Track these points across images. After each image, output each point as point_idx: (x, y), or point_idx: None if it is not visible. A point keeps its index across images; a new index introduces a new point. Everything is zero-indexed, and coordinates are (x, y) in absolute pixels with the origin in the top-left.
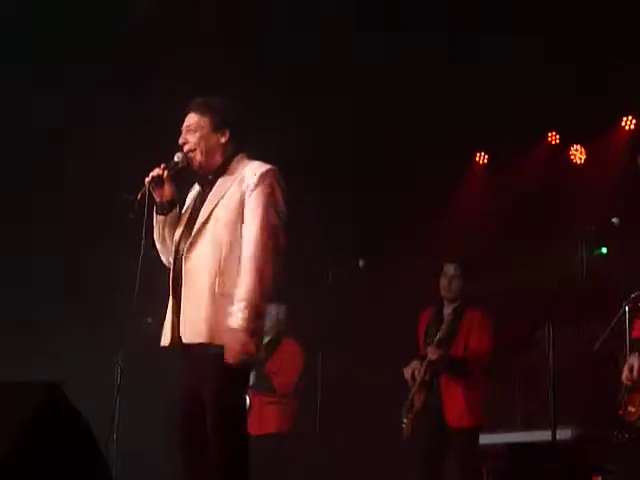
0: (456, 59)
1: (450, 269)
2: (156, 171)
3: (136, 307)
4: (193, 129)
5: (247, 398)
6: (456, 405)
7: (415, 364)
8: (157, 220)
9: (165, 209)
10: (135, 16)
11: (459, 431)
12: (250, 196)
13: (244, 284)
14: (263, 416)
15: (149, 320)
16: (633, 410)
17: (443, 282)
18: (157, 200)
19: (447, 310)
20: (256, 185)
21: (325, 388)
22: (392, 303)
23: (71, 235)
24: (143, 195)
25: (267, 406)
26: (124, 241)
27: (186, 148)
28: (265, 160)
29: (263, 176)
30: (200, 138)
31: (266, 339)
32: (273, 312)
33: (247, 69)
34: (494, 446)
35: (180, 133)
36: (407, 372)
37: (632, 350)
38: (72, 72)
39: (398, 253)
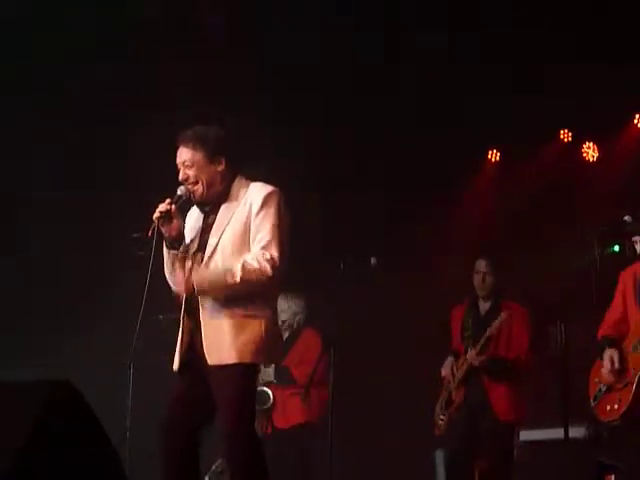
0: (468, 57)
1: (482, 265)
2: (164, 207)
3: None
4: (189, 164)
5: (270, 393)
6: (503, 399)
7: (451, 361)
8: (169, 254)
9: (176, 243)
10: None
11: (504, 425)
12: (257, 218)
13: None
14: (287, 409)
15: (160, 317)
16: (616, 407)
17: (477, 279)
18: (166, 235)
19: (483, 306)
20: (261, 207)
21: (337, 382)
22: (405, 301)
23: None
24: (153, 231)
25: (290, 398)
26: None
27: (188, 183)
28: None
29: (267, 198)
30: (198, 171)
31: (286, 334)
32: (286, 306)
33: (247, 70)
34: None
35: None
36: (445, 370)
37: (605, 347)
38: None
39: (410, 251)
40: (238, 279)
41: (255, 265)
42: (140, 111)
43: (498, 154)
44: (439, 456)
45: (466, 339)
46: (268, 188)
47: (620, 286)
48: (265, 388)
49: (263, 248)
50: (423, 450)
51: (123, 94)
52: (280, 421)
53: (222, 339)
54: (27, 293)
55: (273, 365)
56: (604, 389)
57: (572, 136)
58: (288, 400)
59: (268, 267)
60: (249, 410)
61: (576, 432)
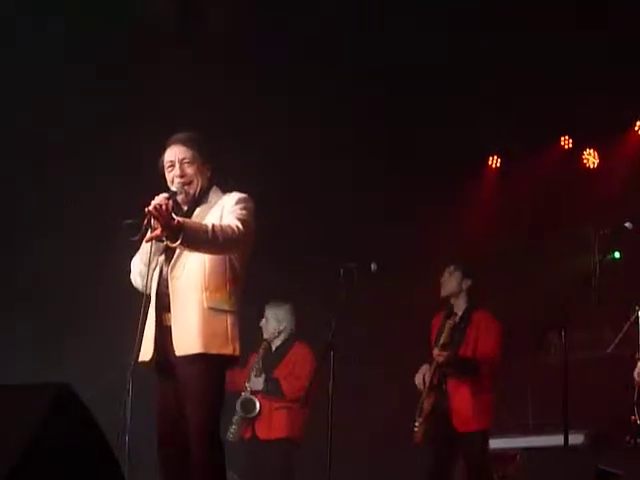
0: (470, 61)
1: (447, 269)
2: (161, 200)
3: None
4: (189, 162)
5: (257, 402)
6: (463, 409)
7: (425, 368)
8: (154, 246)
9: (163, 236)
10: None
11: (466, 435)
12: (227, 211)
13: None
14: (272, 421)
15: None
16: None
17: (441, 282)
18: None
19: (457, 315)
20: (234, 204)
21: (335, 392)
22: (404, 306)
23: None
24: (149, 221)
25: (276, 411)
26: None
27: (184, 180)
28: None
29: (241, 199)
30: (197, 171)
31: (277, 342)
32: (277, 315)
33: (247, 70)
34: (506, 450)
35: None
36: (418, 377)
37: None
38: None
39: (411, 256)
40: (210, 227)
41: (227, 223)
42: (139, 114)
43: (499, 160)
44: None
45: (439, 347)
46: (242, 194)
47: None
48: (253, 397)
49: (234, 216)
50: (420, 459)
51: (123, 95)
52: (263, 431)
53: (190, 331)
54: (26, 295)
55: (263, 375)
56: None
57: (573, 143)
58: (274, 412)
59: (240, 225)
60: (214, 400)
61: (576, 439)
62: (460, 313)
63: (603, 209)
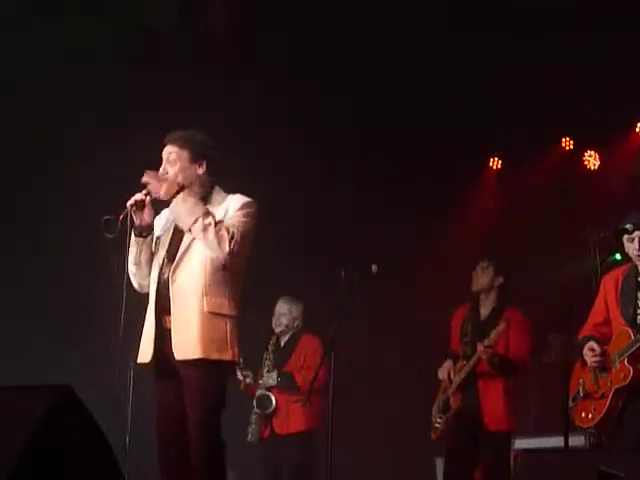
0: (470, 62)
1: (480, 264)
2: (139, 195)
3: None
4: (173, 160)
5: (272, 398)
6: (495, 408)
7: (449, 364)
8: (136, 242)
9: (144, 232)
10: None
11: (495, 434)
12: (230, 216)
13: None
14: (290, 415)
15: None
16: (590, 417)
17: (473, 276)
18: (137, 223)
19: (484, 309)
20: (238, 209)
21: (337, 388)
22: (405, 306)
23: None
24: (125, 217)
25: (293, 405)
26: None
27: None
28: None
29: (246, 204)
30: (179, 169)
31: (286, 337)
32: (285, 310)
33: (246, 71)
34: None
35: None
36: (442, 373)
37: (584, 343)
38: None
39: (412, 256)
40: (201, 226)
41: (220, 233)
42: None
43: (500, 162)
44: (439, 463)
45: (464, 344)
46: (246, 198)
47: (602, 291)
48: (268, 393)
49: (234, 222)
50: (423, 456)
51: (122, 96)
52: (281, 427)
53: (190, 335)
54: (26, 297)
55: (275, 370)
56: (582, 394)
57: (573, 144)
58: (291, 406)
59: (226, 244)
60: (215, 403)
61: (576, 440)
62: (489, 310)
63: (604, 210)
